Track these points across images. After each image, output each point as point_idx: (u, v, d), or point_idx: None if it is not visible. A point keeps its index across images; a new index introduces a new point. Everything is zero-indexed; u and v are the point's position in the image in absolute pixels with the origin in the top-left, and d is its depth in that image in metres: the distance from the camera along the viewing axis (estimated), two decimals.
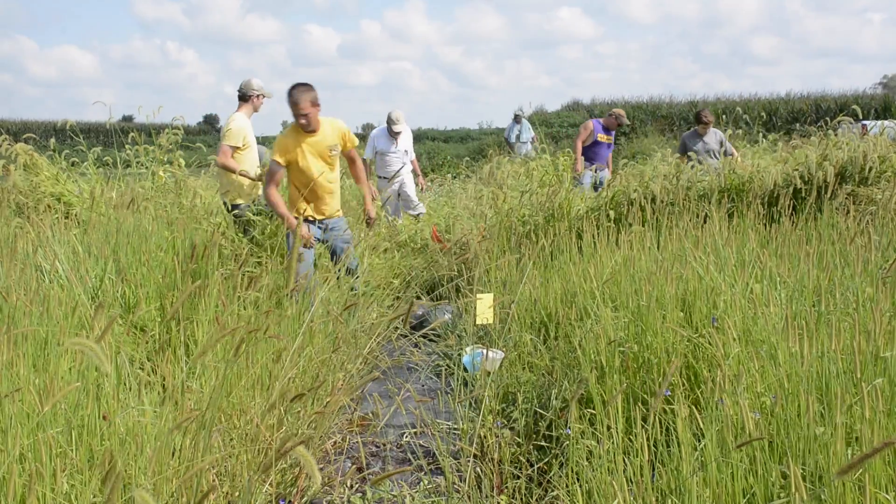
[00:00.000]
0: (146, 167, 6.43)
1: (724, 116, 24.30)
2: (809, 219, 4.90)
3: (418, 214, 7.63)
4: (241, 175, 5.25)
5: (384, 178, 7.65)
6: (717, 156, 7.47)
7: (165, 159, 6.49)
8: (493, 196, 6.21)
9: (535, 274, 4.54)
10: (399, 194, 7.74)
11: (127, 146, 6.53)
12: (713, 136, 7.70)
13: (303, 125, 4.53)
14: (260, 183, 5.32)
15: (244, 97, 5.51)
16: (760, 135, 8.22)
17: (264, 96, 5.58)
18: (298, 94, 4.47)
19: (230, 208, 5.34)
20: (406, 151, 7.80)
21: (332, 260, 4.90)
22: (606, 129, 8.51)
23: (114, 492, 1.55)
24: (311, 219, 4.74)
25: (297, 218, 4.46)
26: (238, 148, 5.30)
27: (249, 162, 5.38)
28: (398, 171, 7.35)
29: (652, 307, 3.21)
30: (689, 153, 7.18)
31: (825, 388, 2.41)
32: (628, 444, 2.40)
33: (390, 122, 7.64)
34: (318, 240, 4.77)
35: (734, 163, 6.10)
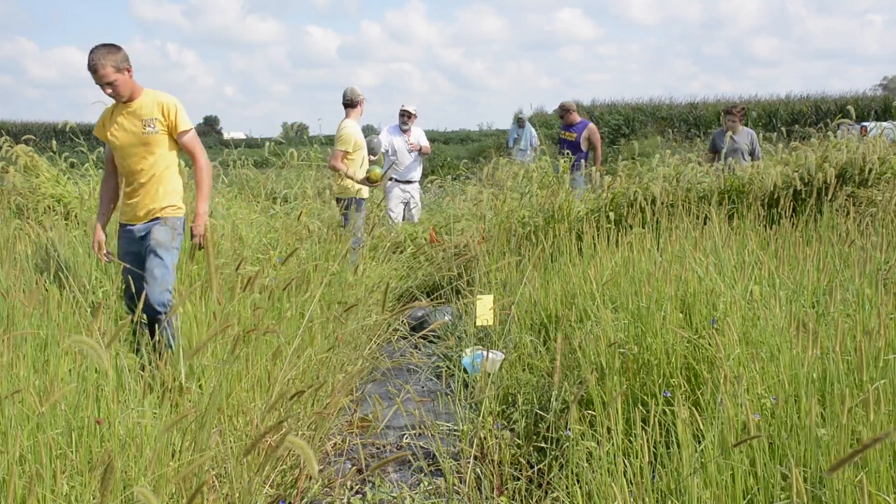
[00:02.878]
0: None
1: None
2: (809, 220, 4.90)
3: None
4: (347, 177, 5.95)
5: (396, 179, 7.44)
6: (746, 157, 7.07)
7: None
8: (492, 197, 6.21)
9: (534, 275, 4.54)
10: (405, 205, 7.48)
11: None
12: (744, 136, 7.25)
13: (111, 96, 3.67)
14: (366, 182, 6.04)
15: (353, 104, 6.21)
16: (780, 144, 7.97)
17: (365, 100, 6.31)
18: (97, 57, 3.55)
19: (337, 201, 6.10)
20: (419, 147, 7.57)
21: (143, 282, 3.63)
22: (565, 127, 8.54)
23: (108, 487, 1.55)
24: (122, 224, 3.80)
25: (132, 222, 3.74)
26: (349, 152, 6.02)
27: (358, 163, 6.09)
28: (409, 173, 7.27)
29: (652, 309, 3.21)
30: (718, 152, 7.04)
31: (826, 390, 2.41)
32: (628, 445, 2.40)
33: (402, 112, 7.44)
34: (129, 253, 3.73)
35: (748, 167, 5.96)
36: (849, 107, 7.81)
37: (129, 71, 3.62)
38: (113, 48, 3.60)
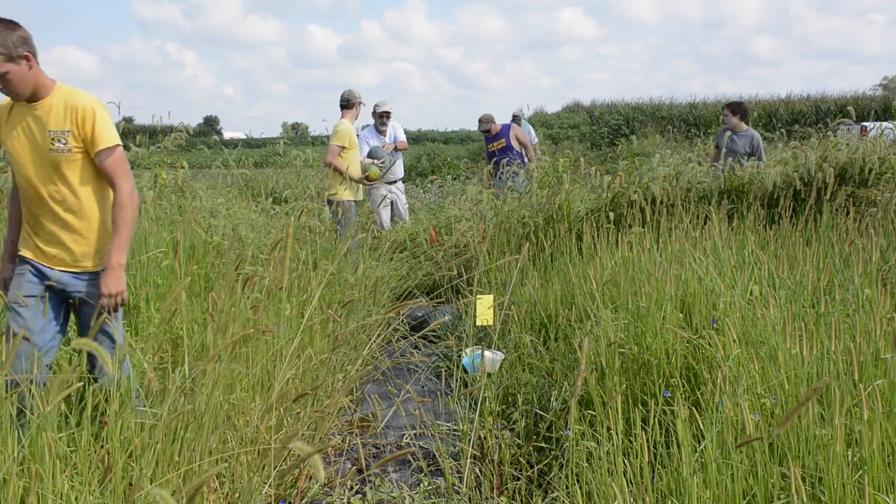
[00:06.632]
0: (148, 168, 6.43)
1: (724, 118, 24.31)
2: (809, 220, 4.91)
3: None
4: (342, 174, 6.03)
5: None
6: (742, 160, 6.48)
7: (168, 161, 6.50)
8: (492, 197, 6.21)
9: (535, 275, 4.54)
10: (391, 206, 7.29)
11: (132, 146, 6.54)
12: (744, 138, 6.72)
13: (2, 93, 2.67)
14: (364, 181, 6.20)
15: (349, 105, 6.37)
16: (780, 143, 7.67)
17: (362, 104, 6.46)
18: None
19: (335, 204, 6.06)
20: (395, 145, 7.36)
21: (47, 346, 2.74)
22: (489, 139, 8.42)
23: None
24: (25, 258, 2.77)
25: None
26: (344, 147, 6.11)
27: (353, 162, 6.21)
28: (392, 173, 7.13)
29: (652, 309, 3.21)
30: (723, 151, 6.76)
31: (825, 390, 2.41)
32: (628, 445, 2.40)
33: (376, 107, 7.20)
34: (34, 296, 2.72)
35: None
36: (849, 107, 7.77)
37: (29, 59, 2.59)
38: (7, 25, 2.57)
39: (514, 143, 8.34)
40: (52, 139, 2.64)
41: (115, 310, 2.73)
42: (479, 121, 8.48)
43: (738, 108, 6.85)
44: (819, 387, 1.21)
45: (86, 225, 2.74)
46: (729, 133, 6.68)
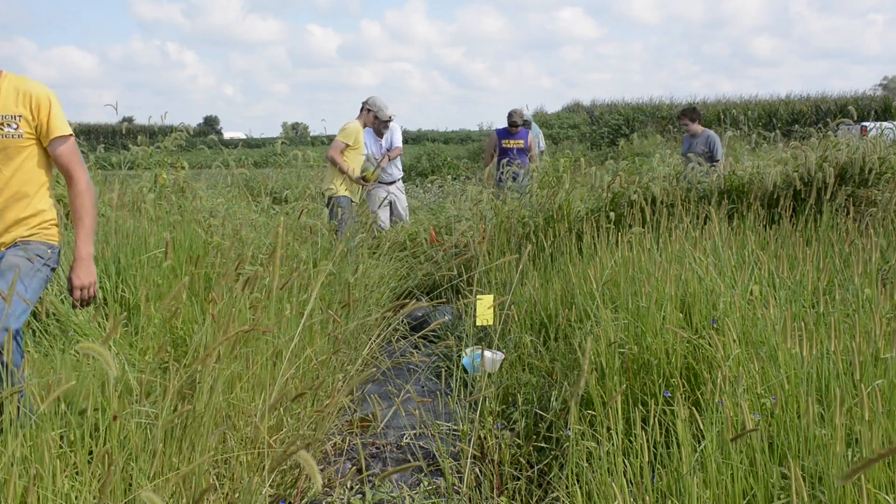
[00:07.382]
0: (148, 168, 6.44)
1: (723, 117, 24.36)
2: (809, 220, 4.91)
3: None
4: (343, 171, 6.18)
5: (378, 182, 7.20)
6: (699, 161, 6.54)
7: (169, 161, 6.50)
8: (493, 197, 6.21)
9: (535, 275, 4.54)
10: (391, 206, 7.21)
11: (132, 146, 6.54)
12: (702, 140, 7.27)
13: None
14: (361, 181, 6.35)
15: (361, 108, 6.62)
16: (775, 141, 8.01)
17: (373, 113, 6.56)
18: None
19: (332, 201, 6.18)
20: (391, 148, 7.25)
21: None
22: (506, 134, 8.30)
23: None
24: None
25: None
26: (349, 146, 6.25)
27: (356, 162, 6.38)
28: (389, 174, 7.11)
29: (651, 309, 3.21)
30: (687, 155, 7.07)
31: (825, 390, 2.41)
32: (628, 445, 2.40)
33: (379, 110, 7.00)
34: None
35: (715, 168, 5.98)
36: (849, 107, 7.80)
37: None
38: None
39: (527, 147, 8.37)
40: (2, 123, 2.60)
41: (87, 303, 2.69)
42: (512, 113, 8.39)
43: (695, 115, 7.51)
44: (893, 448, 1.19)
45: (28, 211, 2.68)
46: (692, 137, 7.37)
